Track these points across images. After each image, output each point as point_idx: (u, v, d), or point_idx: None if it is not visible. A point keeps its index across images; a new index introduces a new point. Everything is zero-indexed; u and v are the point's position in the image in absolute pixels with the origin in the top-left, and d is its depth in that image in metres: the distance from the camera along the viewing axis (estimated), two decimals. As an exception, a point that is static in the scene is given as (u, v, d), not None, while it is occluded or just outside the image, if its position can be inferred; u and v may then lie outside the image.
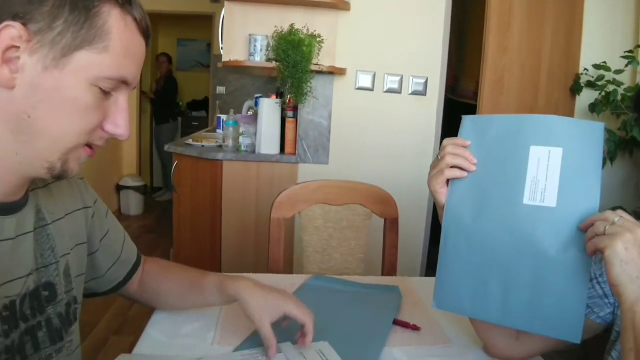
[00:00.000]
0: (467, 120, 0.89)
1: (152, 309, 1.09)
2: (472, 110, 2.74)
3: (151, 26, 0.69)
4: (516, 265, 0.81)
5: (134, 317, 2.88)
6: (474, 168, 0.86)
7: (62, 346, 0.76)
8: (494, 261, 0.84)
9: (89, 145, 0.68)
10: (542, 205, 0.80)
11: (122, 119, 0.68)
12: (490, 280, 0.84)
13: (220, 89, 5.39)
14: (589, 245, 0.72)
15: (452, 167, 0.87)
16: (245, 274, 1.36)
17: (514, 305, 0.82)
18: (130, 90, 0.70)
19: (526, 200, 0.81)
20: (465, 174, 0.86)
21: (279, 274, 1.51)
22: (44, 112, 0.61)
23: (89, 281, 0.92)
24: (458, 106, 3.40)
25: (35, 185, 0.74)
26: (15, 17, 0.58)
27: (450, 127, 2.71)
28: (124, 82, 0.66)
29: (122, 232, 1.00)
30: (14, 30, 0.57)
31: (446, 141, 0.89)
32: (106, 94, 0.65)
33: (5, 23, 0.57)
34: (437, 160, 0.89)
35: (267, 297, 0.93)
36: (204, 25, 5.78)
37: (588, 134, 0.79)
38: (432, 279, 1.39)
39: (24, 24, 0.58)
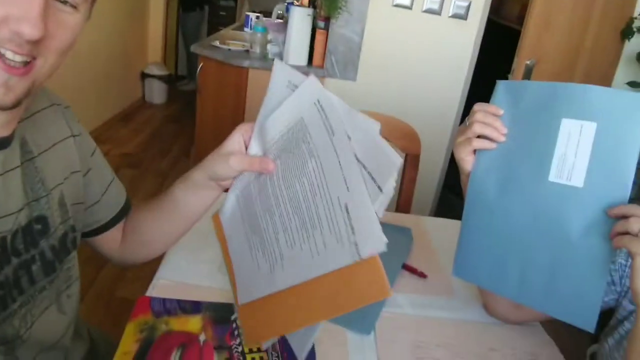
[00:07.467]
0: (500, 85, 0.82)
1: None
2: (514, 36, 2.57)
3: None
4: (536, 245, 0.78)
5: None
6: (503, 139, 0.80)
7: (55, 277, 0.74)
8: (514, 238, 0.81)
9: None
10: (567, 183, 0.74)
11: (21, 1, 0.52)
12: (509, 257, 0.82)
13: (252, -20, 5.14)
14: (617, 240, 0.68)
15: (480, 136, 0.82)
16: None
17: (530, 285, 0.80)
18: None
19: (552, 177, 0.76)
20: (493, 145, 0.81)
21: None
22: None
23: None
24: (499, 30, 3.22)
25: (20, 117, 0.67)
26: None
27: (487, 53, 2.58)
28: None
29: (109, 175, 0.90)
30: None
31: (477, 106, 0.83)
32: None
33: None
34: (465, 126, 0.84)
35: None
36: None
37: (629, 108, 0.70)
38: (446, 220, 1.42)
39: None
